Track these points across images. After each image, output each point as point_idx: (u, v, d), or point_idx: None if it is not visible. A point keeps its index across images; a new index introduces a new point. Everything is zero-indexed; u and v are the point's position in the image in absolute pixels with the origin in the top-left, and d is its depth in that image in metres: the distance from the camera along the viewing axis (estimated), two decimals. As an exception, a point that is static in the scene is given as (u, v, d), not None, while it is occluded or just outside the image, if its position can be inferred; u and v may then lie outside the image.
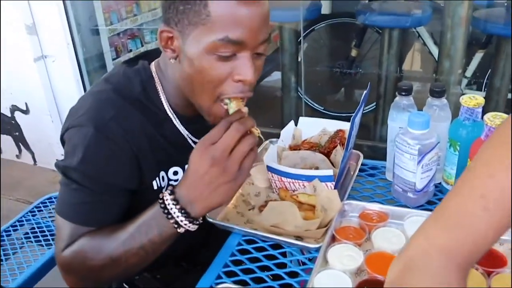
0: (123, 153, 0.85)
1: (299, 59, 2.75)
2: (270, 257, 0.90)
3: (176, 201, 0.79)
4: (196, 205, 0.79)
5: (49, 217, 1.62)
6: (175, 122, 0.93)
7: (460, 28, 1.74)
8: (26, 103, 2.78)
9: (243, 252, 0.92)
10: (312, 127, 1.19)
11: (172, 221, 0.79)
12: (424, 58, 3.01)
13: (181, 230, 0.80)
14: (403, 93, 1.00)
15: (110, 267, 0.83)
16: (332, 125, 1.18)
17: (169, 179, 0.94)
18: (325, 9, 2.78)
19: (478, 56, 2.44)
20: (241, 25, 0.77)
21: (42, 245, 1.50)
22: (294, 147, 1.15)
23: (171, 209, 0.79)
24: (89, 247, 0.84)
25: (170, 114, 0.92)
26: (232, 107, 0.82)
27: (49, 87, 2.68)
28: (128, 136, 0.85)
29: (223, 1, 0.75)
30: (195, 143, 0.95)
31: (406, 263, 0.55)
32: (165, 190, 0.81)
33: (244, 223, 0.98)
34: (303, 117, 1.21)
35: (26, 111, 2.82)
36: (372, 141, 2.44)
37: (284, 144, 1.15)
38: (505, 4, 2.20)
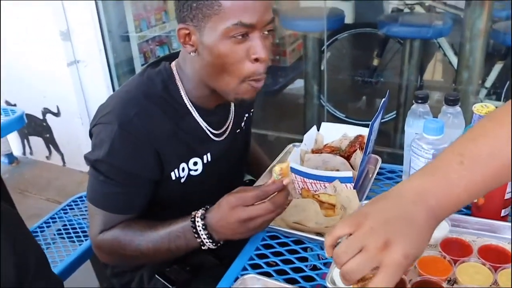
0: (145, 147, 0.95)
1: (322, 68, 2.82)
2: (292, 252, 0.97)
3: (205, 226, 0.91)
4: (219, 235, 0.92)
5: (80, 215, 1.72)
6: (194, 115, 1.03)
7: (478, 39, 1.79)
8: (57, 106, 2.91)
9: (267, 246, 0.99)
10: (333, 132, 1.26)
11: (199, 240, 0.92)
12: (444, 69, 3.04)
13: (205, 247, 0.93)
14: (419, 101, 1.06)
15: (139, 259, 0.97)
16: (352, 131, 1.25)
17: (189, 169, 1.04)
18: (348, 19, 2.85)
19: (498, 67, 2.47)
20: (250, 10, 0.87)
21: (73, 241, 1.59)
22: (316, 151, 1.22)
23: (200, 231, 0.91)
24: (123, 239, 0.96)
25: (190, 108, 1.02)
26: (276, 171, 0.90)
27: (80, 91, 2.81)
28: (149, 132, 0.95)
29: None
30: (213, 133, 1.05)
31: (383, 194, 0.64)
32: (197, 213, 0.93)
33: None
34: (325, 123, 1.28)
35: (57, 114, 2.95)
36: (392, 148, 2.49)
37: (306, 148, 1.21)
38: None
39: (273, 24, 0.93)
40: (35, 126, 3.07)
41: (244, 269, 0.93)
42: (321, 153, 1.19)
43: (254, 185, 1.12)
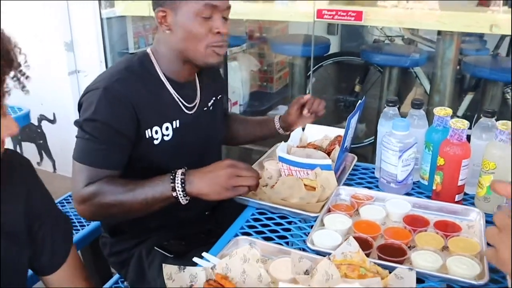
0: (124, 107, 1.14)
1: (307, 92, 3.02)
2: (278, 224, 1.12)
3: (183, 175, 1.07)
4: (192, 185, 1.07)
5: (71, 211, 1.86)
6: (168, 87, 1.23)
7: (448, 67, 2.01)
8: (54, 113, 3.04)
9: (256, 220, 1.15)
10: (316, 133, 1.45)
11: (171, 184, 1.06)
12: (420, 96, 3.28)
13: (174, 194, 1.07)
14: (390, 104, 1.25)
15: (117, 207, 1.11)
16: (332, 132, 1.43)
17: (162, 134, 1.21)
18: (334, 47, 3.07)
19: (468, 98, 2.70)
20: None
21: None
22: (300, 147, 1.39)
23: (176, 177, 1.07)
24: (106, 189, 1.10)
25: (163, 80, 1.23)
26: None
27: (78, 100, 2.94)
28: (128, 95, 1.14)
29: None
30: (184, 106, 1.25)
31: None
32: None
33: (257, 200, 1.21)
34: (309, 124, 1.46)
35: (53, 121, 3.08)
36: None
37: (292, 144, 1.38)
38: (491, 52, 2.48)
39: (228, 11, 1.21)
40: (29, 132, 3.18)
41: (236, 235, 1.08)
42: (305, 148, 1.36)
43: None
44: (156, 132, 1.19)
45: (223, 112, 1.47)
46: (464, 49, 2.62)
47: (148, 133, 1.18)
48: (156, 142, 1.20)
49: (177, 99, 1.24)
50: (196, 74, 1.31)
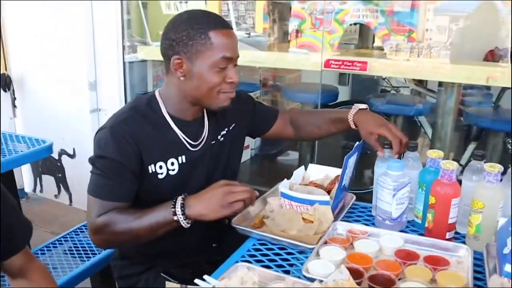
0: (128, 144, 1.22)
1: (315, 140, 3.12)
2: (277, 255, 1.19)
3: (183, 200, 1.17)
4: (191, 208, 1.16)
5: (84, 241, 1.96)
6: (172, 126, 1.31)
7: (449, 116, 2.11)
8: (74, 149, 3.19)
9: (257, 250, 1.22)
10: (318, 172, 1.54)
11: (172, 209, 1.16)
12: (424, 144, 3.36)
13: (176, 218, 1.15)
14: (386, 146, 1.34)
15: (127, 234, 1.21)
16: (333, 172, 1.52)
17: (168, 169, 1.29)
18: (345, 97, 3.19)
19: (471, 147, 2.78)
20: (230, 47, 1.24)
21: (82, 258, 1.84)
22: (302, 185, 1.47)
23: (176, 203, 1.16)
24: (117, 218, 1.21)
25: (168, 119, 1.31)
26: None
27: (97, 137, 3.10)
28: (132, 133, 1.23)
29: (218, 33, 1.21)
30: (189, 143, 1.33)
31: None
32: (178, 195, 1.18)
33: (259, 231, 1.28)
34: (312, 164, 1.55)
35: (72, 156, 3.22)
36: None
37: (295, 182, 1.47)
38: (492, 105, 2.58)
39: (237, 59, 1.30)
40: (49, 165, 3.32)
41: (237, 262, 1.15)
42: (307, 186, 1.45)
43: (244, 210, 1.37)
44: (161, 167, 1.28)
45: (242, 138, 1.53)
46: (467, 101, 2.72)
47: (151, 168, 1.27)
48: (161, 176, 1.28)
49: (181, 137, 1.31)
50: (205, 110, 1.38)
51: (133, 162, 1.24)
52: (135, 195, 1.27)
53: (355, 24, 2.83)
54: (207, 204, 1.16)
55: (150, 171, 1.27)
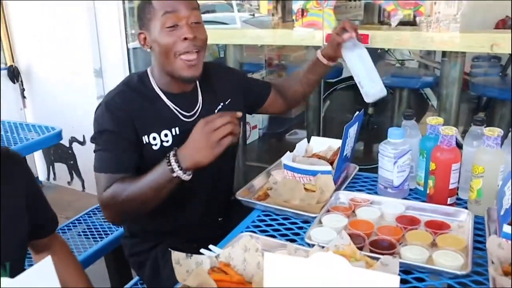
0: (123, 116, 1.26)
1: (322, 114, 3.13)
2: (281, 225, 1.22)
3: (175, 156, 1.16)
4: (185, 160, 1.15)
5: (97, 222, 2.01)
6: (163, 97, 1.34)
7: (454, 87, 2.10)
8: (83, 135, 3.24)
9: (261, 221, 1.25)
10: (320, 144, 1.55)
11: (169, 167, 1.16)
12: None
13: (174, 174, 1.15)
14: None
15: (132, 201, 1.21)
16: (336, 143, 1.53)
17: (161, 140, 1.32)
18: (348, 71, 3.18)
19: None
20: (170, 4, 1.23)
21: (96, 238, 1.89)
22: (305, 157, 1.49)
23: (170, 159, 1.16)
24: (119, 188, 1.23)
25: (158, 92, 1.34)
26: None
27: (105, 123, 3.14)
28: (126, 106, 1.28)
29: None
30: (182, 114, 1.35)
31: None
32: (170, 151, 1.18)
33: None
34: (314, 137, 1.56)
35: (82, 143, 3.27)
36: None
37: (298, 154, 1.49)
38: (500, 74, 2.55)
39: (196, 14, 1.27)
40: (61, 153, 3.38)
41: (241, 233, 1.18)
42: (310, 158, 1.46)
43: (248, 184, 1.40)
44: (154, 138, 1.31)
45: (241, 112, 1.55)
46: (475, 72, 2.70)
47: (145, 139, 1.29)
48: (155, 147, 1.31)
49: (173, 109, 1.34)
50: (198, 83, 1.40)
51: (129, 131, 1.27)
52: (137, 167, 1.29)
53: (359, -1, 2.82)
54: (196, 150, 1.13)
55: (144, 142, 1.30)
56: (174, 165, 1.15)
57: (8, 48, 3.31)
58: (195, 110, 1.38)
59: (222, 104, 1.45)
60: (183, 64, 1.26)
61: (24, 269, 0.64)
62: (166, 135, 1.32)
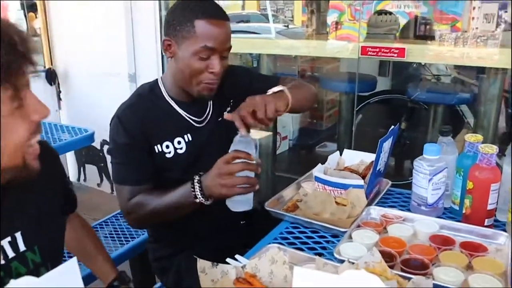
0: (135, 127, 1.27)
1: (354, 128, 3.09)
2: (309, 238, 1.19)
3: (200, 182, 1.17)
4: (208, 189, 1.16)
5: (124, 225, 2.04)
6: (174, 106, 1.34)
7: (492, 104, 2.03)
8: (115, 139, 3.29)
9: (290, 233, 1.22)
10: (353, 158, 1.52)
11: (193, 193, 1.17)
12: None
13: (197, 200, 1.17)
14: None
15: (155, 214, 1.26)
16: (368, 157, 1.50)
17: (175, 148, 1.32)
18: (383, 85, 3.14)
19: (519, 137, 2.65)
20: (213, 38, 1.22)
21: (121, 240, 1.90)
22: (337, 170, 1.46)
23: (195, 185, 1.17)
24: (144, 201, 1.27)
25: (169, 101, 1.34)
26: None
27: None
28: (137, 118, 1.29)
29: (203, 23, 1.21)
30: (194, 121, 1.36)
31: None
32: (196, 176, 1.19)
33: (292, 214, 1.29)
34: (347, 149, 1.53)
35: (114, 146, 3.32)
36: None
37: (329, 166, 1.46)
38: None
39: (229, 48, 1.28)
40: (92, 155, 3.44)
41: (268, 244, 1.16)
42: (341, 171, 1.43)
43: (278, 194, 1.37)
44: (167, 146, 1.32)
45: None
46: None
47: (157, 148, 1.30)
48: (168, 155, 1.31)
49: (184, 116, 1.34)
50: None
51: (142, 142, 1.29)
52: (157, 175, 1.31)
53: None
54: (215, 184, 1.13)
55: (157, 151, 1.31)
56: (198, 192, 1.17)
57: (47, 51, 3.42)
58: (205, 115, 1.39)
59: (229, 107, 1.43)
60: (205, 88, 1.28)
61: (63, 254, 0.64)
62: (179, 142, 1.33)
